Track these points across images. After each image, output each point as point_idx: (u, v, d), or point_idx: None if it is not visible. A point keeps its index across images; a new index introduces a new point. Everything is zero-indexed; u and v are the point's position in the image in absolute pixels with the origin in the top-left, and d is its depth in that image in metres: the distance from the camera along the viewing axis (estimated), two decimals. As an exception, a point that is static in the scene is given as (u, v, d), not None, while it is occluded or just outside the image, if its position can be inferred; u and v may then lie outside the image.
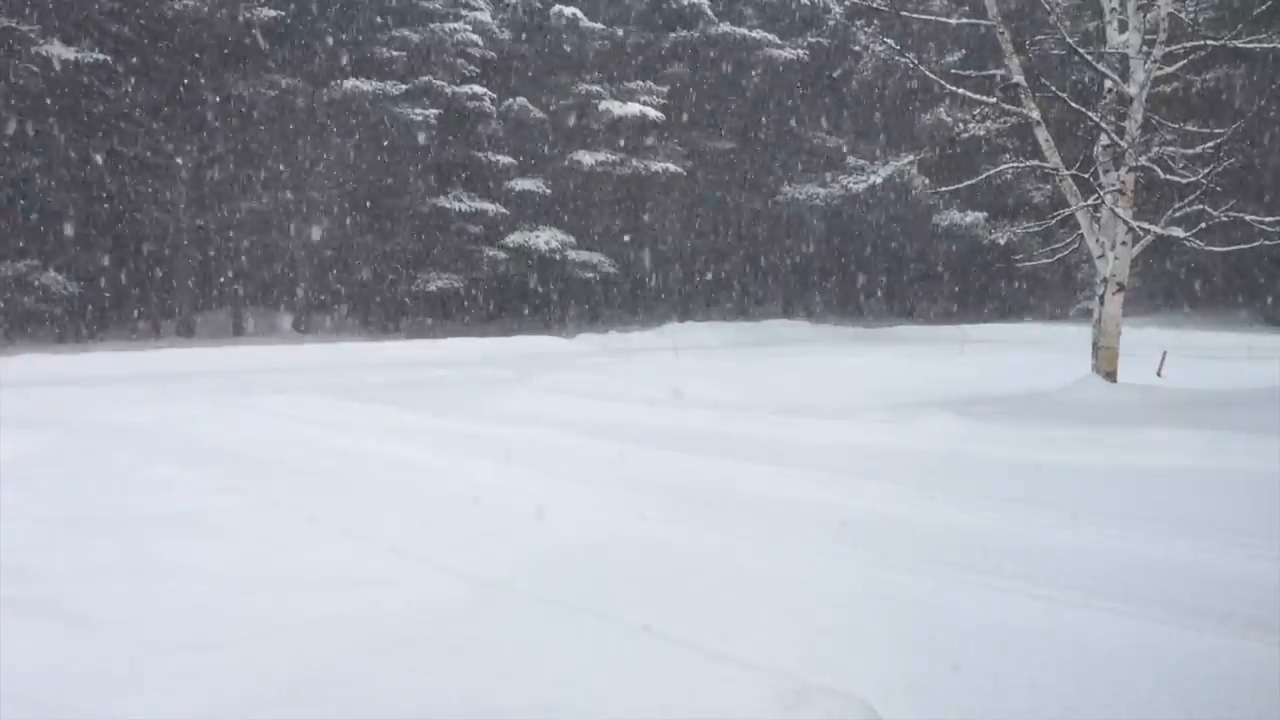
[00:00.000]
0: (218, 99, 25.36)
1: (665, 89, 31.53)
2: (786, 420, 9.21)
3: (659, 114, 29.46)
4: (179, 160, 25.24)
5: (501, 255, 27.72)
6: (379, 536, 5.03)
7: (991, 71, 12.04)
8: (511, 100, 28.63)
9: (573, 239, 28.69)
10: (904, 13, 13.89)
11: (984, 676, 3.29)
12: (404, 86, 26.41)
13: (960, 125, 29.78)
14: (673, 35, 32.28)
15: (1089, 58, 10.83)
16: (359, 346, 21.65)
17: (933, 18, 16.51)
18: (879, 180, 30.94)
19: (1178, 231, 10.78)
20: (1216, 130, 11.16)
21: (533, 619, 3.69)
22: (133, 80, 24.23)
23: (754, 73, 33.43)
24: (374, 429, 9.16)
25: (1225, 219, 10.43)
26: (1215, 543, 4.85)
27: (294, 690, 3.07)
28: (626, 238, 32.21)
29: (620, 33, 31.97)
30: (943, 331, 27.54)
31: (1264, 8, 13.35)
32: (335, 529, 5.23)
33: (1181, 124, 11.79)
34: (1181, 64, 10.91)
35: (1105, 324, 10.82)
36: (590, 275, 29.59)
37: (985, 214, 30.60)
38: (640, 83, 30.93)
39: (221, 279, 28.46)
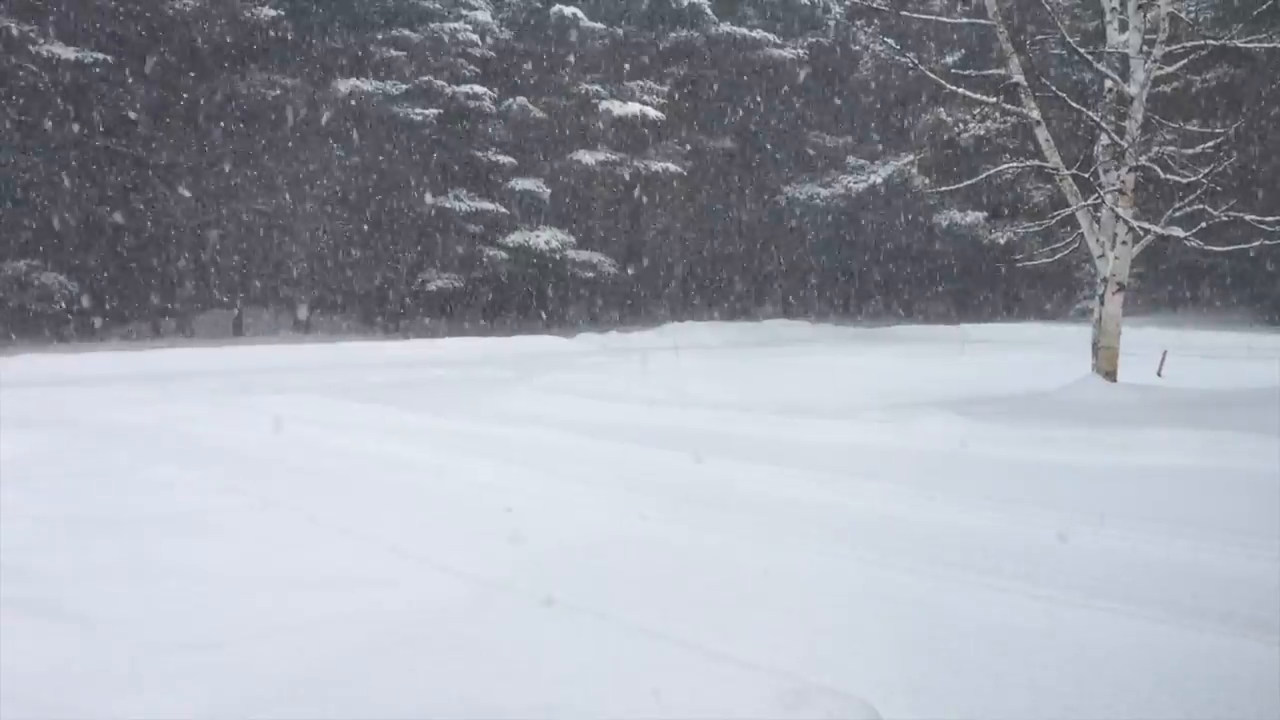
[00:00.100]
0: (218, 99, 25.34)
1: (666, 88, 31.52)
2: (786, 420, 9.21)
3: (659, 114, 29.45)
4: (179, 160, 25.23)
5: (502, 255, 27.72)
6: (379, 536, 5.03)
7: (991, 71, 12.04)
8: (512, 100, 28.62)
9: (573, 239, 28.68)
10: (904, 12, 13.91)
11: (984, 676, 3.29)
12: (404, 86, 26.40)
13: (960, 125, 29.80)
14: (673, 35, 32.27)
15: (1089, 57, 10.83)
16: (359, 346, 21.65)
17: (933, 17, 16.53)
18: (879, 180, 30.94)
19: (1178, 231, 10.78)
20: (1217, 130, 11.18)
21: (533, 619, 3.69)
22: (133, 80, 24.22)
23: (754, 72, 33.42)
24: (374, 429, 9.17)
25: (1225, 219, 10.43)
26: (1215, 543, 4.85)
27: (294, 690, 3.07)
28: (627, 237, 32.20)
29: (620, 32, 31.96)
30: (942, 331, 27.54)
31: (1264, 7, 13.35)
32: (335, 529, 5.23)
33: (1182, 124, 11.80)
34: (1182, 64, 10.91)
35: (1105, 323, 10.82)
36: (590, 275, 29.58)
37: (985, 214, 30.60)
38: (641, 82, 30.92)
39: (222, 279, 28.44)
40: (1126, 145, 10.43)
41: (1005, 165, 13.08)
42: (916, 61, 12.62)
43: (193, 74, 24.84)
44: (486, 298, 30.59)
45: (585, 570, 4.52)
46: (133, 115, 24.58)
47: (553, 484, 6.55)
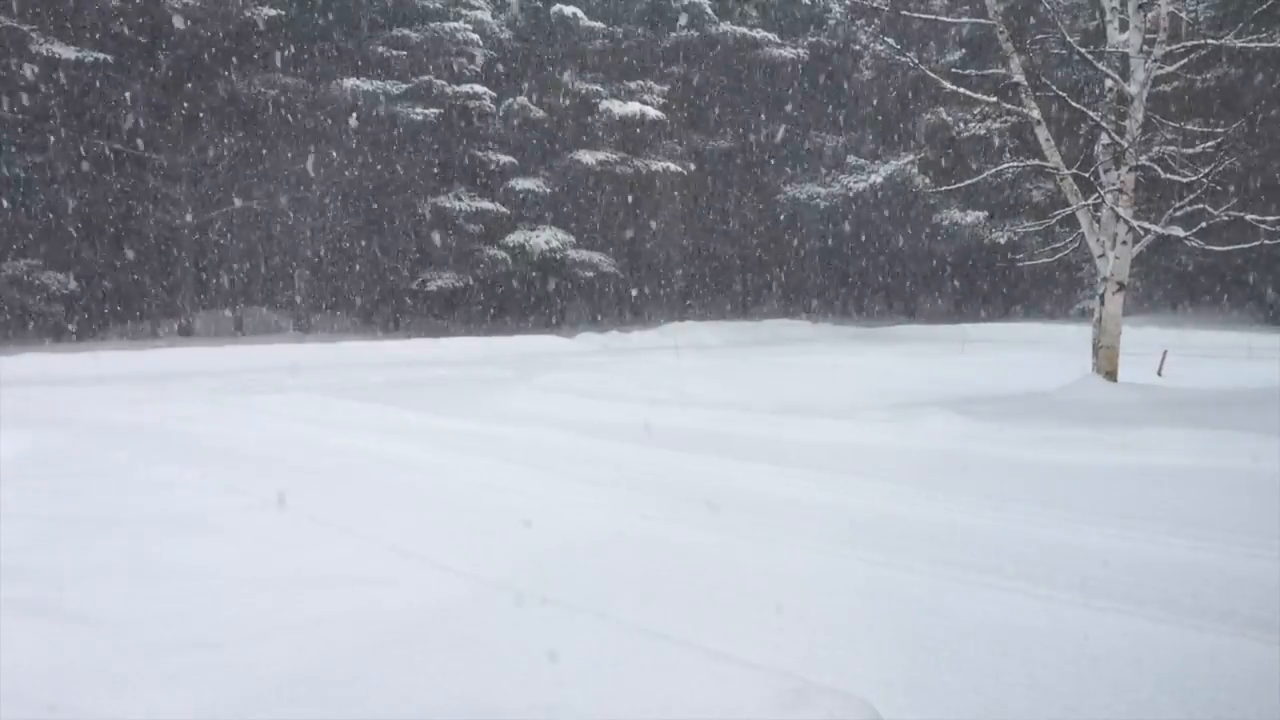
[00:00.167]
0: (218, 98, 25.34)
1: (666, 88, 31.51)
2: (787, 420, 9.21)
3: (659, 113, 29.45)
4: (179, 160, 25.23)
5: (502, 255, 27.72)
6: (379, 536, 5.03)
7: (992, 71, 12.04)
8: (512, 99, 28.61)
9: (573, 238, 28.68)
10: (904, 12, 13.88)
11: (984, 676, 3.29)
12: (404, 86, 26.40)
13: (961, 124, 29.79)
14: (673, 34, 32.27)
15: (1089, 57, 10.83)
16: (359, 346, 21.65)
17: (933, 17, 16.52)
18: (879, 179, 30.92)
19: (1178, 231, 10.78)
20: (1217, 130, 11.17)
21: (533, 619, 3.69)
22: (133, 80, 24.23)
23: (754, 72, 33.42)
24: (374, 428, 9.17)
25: (1225, 218, 10.44)
26: (1215, 542, 4.85)
27: (294, 690, 3.07)
28: (627, 237, 32.20)
29: (620, 32, 31.96)
30: (943, 331, 27.54)
31: (1264, 7, 13.35)
32: (335, 528, 5.23)
33: (1182, 123, 11.78)
34: (1182, 63, 10.91)
35: (1105, 323, 10.82)
36: (591, 274, 29.58)
37: (985, 213, 30.59)
38: (641, 82, 30.91)
39: (222, 278, 28.45)
40: (1127, 145, 10.43)
41: (1005, 165, 13.09)
42: (917, 61, 12.63)
43: (193, 73, 24.84)
44: (487, 297, 30.59)
45: (585, 570, 4.52)
46: (133, 115, 24.59)
47: (553, 483, 6.55)
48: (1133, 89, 10.51)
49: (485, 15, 29.59)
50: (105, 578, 4.32)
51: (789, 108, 34.59)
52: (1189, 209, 10.81)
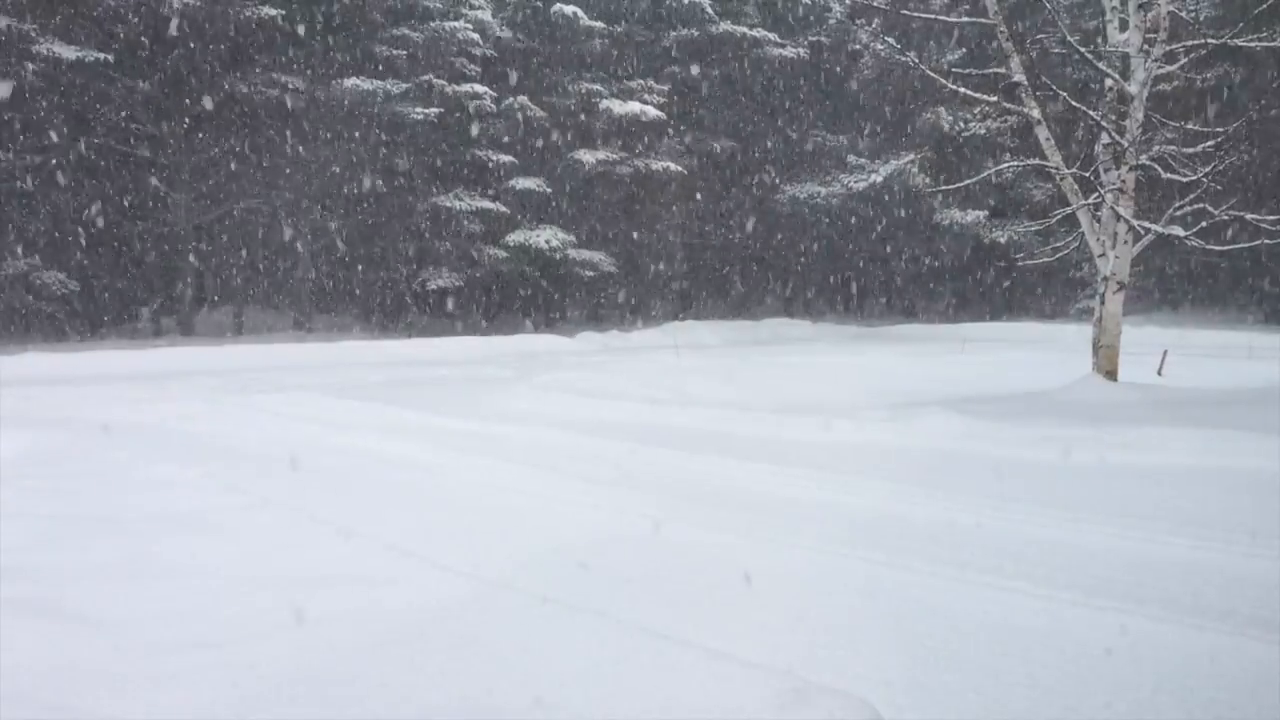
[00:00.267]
0: (218, 98, 25.33)
1: (666, 88, 31.51)
2: (787, 419, 9.21)
3: (660, 113, 29.44)
4: (179, 159, 25.23)
5: (502, 254, 27.72)
6: (379, 535, 5.03)
7: (992, 70, 12.03)
8: (512, 99, 28.61)
9: (573, 238, 28.68)
10: (904, 11, 13.88)
11: (984, 675, 3.29)
12: (405, 85, 26.39)
13: (961, 124, 29.79)
14: (673, 34, 32.26)
15: (1090, 56, 10.83)
16: (359, 345, 21.66)
17: (933, 16, 16.52)
18: (879, 179, 30.92)
19: (1178, 230, 10.77)
20: (1217, 129, 11.16)
21: (533, 618, 3.69)
22: (133, 80, 24.22)
23: (754, 71, 33.41)
24: (374, 428, 9.17)
25: (1226, 218, 10.43)
26: (1215, 541, 4.85)
27: (294, 690, 3.07)
28: (627, 236, 32.20)
29: (621, 31, 31.95)
30: (943, 330, 27.55)
31: (1264, 7, 13.34)
32: (335, 528, 5.23)
33: (1182, 123, 11.78)
34: (1182, 63, 10.91)
35: (1106, 323, 10.82)
36: (591, 274, 29.58)
37: (986, 213, 30.60)
38: (641, 81, 30.91)
39: (222, 278, 28.43)
40: (1127, 144, 10.42)
41: (1006, 164, 13.09)
42: (917, 60, 12.62)
43: (193, 74, 24.83)
44: (487, 297, 30.60)
45: (585, 569, 4.52)
46: (133, 115, 24.58)
47: (553, 483, 6.55)
48: (1133, 88, 10.50)
49: (486, 15, 29.58)
50: (105, 577, 4.32)
51: (789, 107, 34.59)
52: (1189, 208, 10.81)
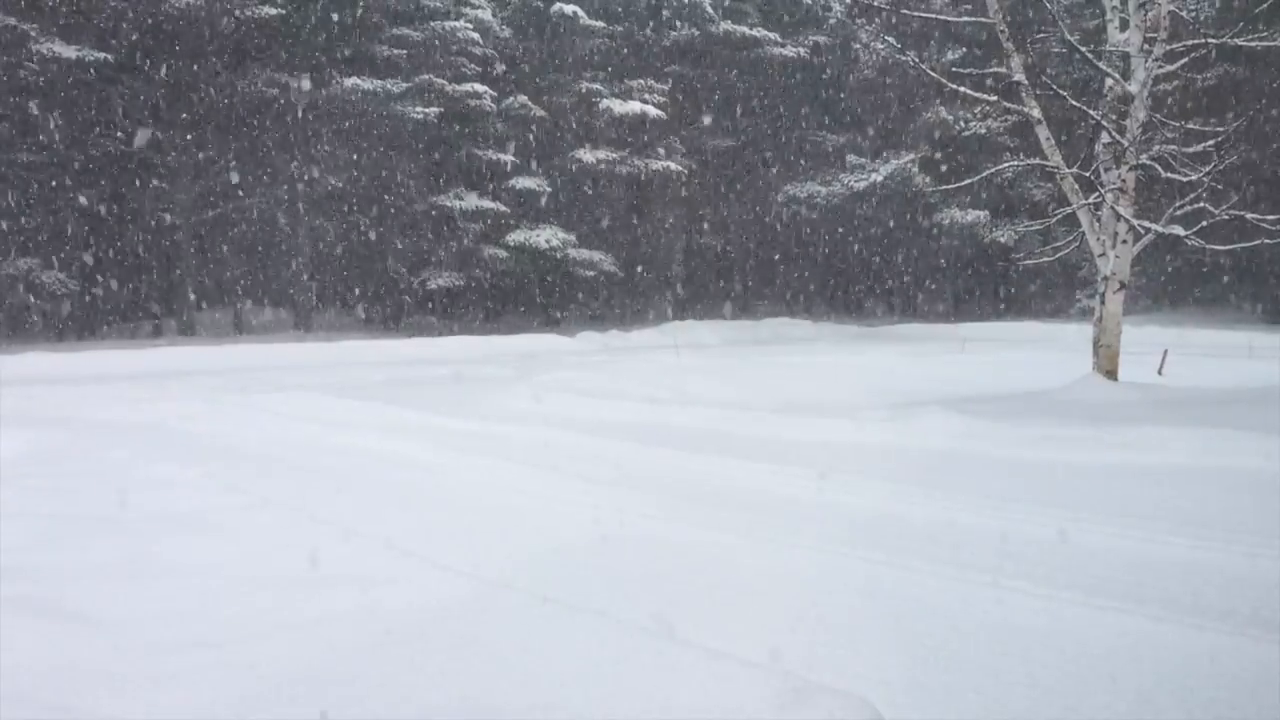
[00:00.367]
0: (219, 97, 25.34)
1: (666, 87, 31.52)
2: (787, 419, 9.21)
3: (660, 112, 29.45)
4: (180, 158, 25.23)
5: (502, 254, 27.72)
6: (379, 535, 5.03)
7: (992, 70, 12.03)
8: (512, 98, 28.61)
9: (574, 237, 28.69)
10: (905, 10, 13.88)
11: (984, 675, 3.28)
12: (405, 85, 26.40)
13: (961, 123, 29.79)
14: (673, 33, 32.27)
15: (1090, 56, 10.82)
16: (360, 345, 21.66)
17: (934, 16, 16.52)
18: (880, 179, 30.93)
19: (1178, 230, 10.76)
20: (1217, 128, 11.15)
21: (533, 618, 3.69)
22: (133, 79, 24.22)
23: (755, 71, 33.41)
24: (374, 427, 9.17)
25: (1226, 217, 10.43)
26: (1215, 541, 4.85)
27: (294, 690, 3.07)
28: (627, 236, 32.20)
29: (621, 30, 31.95)
30: (943, 330, 27.54)
31: (1264, 6, 13.34)
32: (335, 527, 5.22)
33: (1183, 122, 11.77)
34: (1183, 62, 10.90)
35: (1106, 322, 10.81)
36: (591, 274, 29.58)
37: (986, 212, 30.60)
38: (641, 81, 30.90)
39: (222, 277, 28.44)
40: (1127, 144, 10.42)
41: (1006, 164, 13.07)
42: (917, 60, 12.62)
43: (193, 72, 24.84)
44: (487, 296, 30.60)
45: (585, 569, 4.52)
46: (133, 114, 24.58)
47: (553, 482, 6.54)
48: (1133, 88, 10.50)
49: (486, 14, 29.59)
50: (105, 577, 4.32)
51: (789, 107, 34.59)
52: (1190, 208, 10.80)
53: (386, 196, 27.95)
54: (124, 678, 3.17)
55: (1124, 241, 10.67)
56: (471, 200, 27.60)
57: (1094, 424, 8.05)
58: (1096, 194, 10.76)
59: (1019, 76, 10.91)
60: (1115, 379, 10.73)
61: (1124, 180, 10.54)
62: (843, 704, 2.78)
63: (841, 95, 35.03)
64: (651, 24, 32.53)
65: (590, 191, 30.96)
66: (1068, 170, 10.96)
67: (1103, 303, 10.82)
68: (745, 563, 4.63)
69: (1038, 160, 11.62)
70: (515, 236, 27.67)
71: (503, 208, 28.07)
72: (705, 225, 35.19)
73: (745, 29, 32.34)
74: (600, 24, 30.65)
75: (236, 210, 26.86)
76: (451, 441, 8.33)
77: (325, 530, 5.18)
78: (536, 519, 5.50)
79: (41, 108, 22.89)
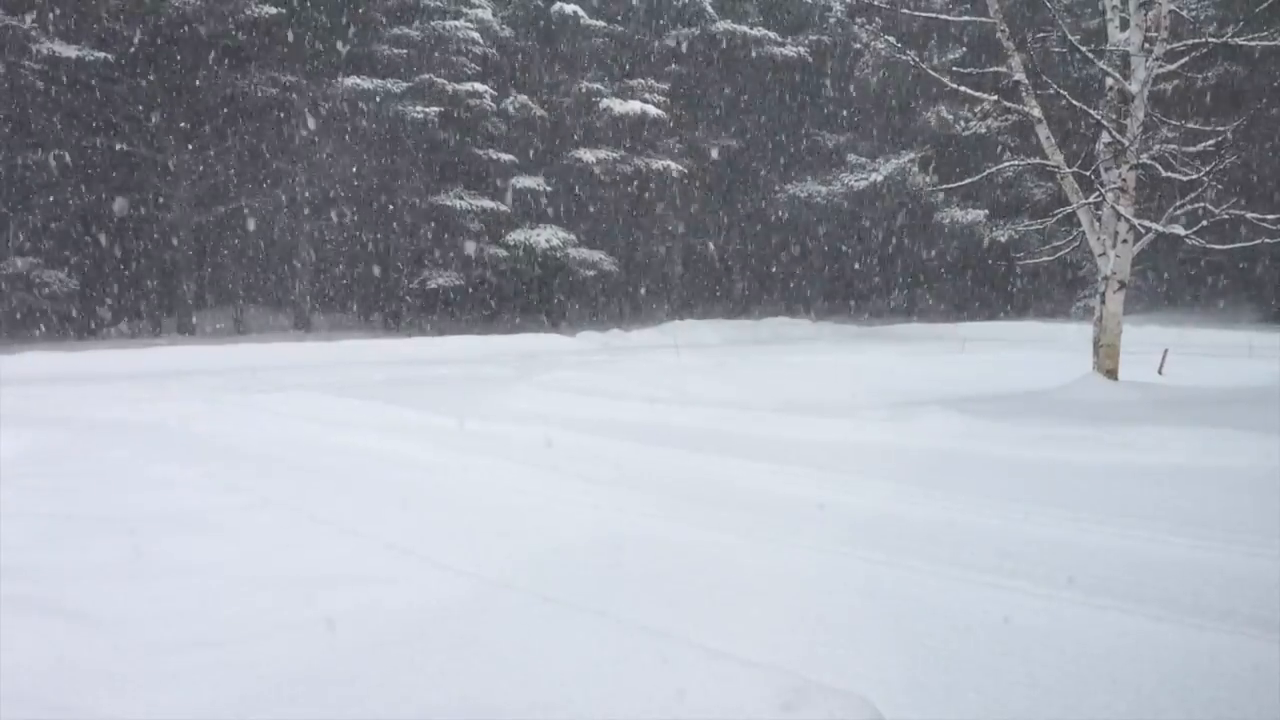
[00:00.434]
0: (219, 97, 25.34)
1: (666, 86, 31.50)
2: (787, 418, 9.21)
3: (660, 112, 29.44)
4: (180, 158, 25.23)
5: (503, 253, 27.72)
6: (379, 534, 5.03)
7: (992, 69, 12.03)
8: (513, 98, 28.60)
9: (574, 237, 28.68)
10: (905, 10, 13.87)
11: (984, 675, 3.28)
12: (405, 84, 26.39)
13: (961, 123, 29.77)
14: (674, 33, 32.25)
15: (1090, 55, 10.82)
16: (360, 344, 21.64)
17: (934, 15, 16.51)
18: (880, 178, 30.92)
19: (1179, 229, 10.77)
20: (1218, 128, 11.15)
21: (533, 618, 3.69)
22: (134, 78, 24.22)
23: (755, 71, 33.41)
24: (374, 427, 9.16)
25: (1226, 217, 10.43)
26: (1216, 541, 4.85)
27: (294, 689, 3.07)
28: (627, 236, 32.18)
29: (621, 30, 31.94)
30: (943, 329, 27.54)
31: (1264, 6, 13.32)
32: (335, 527, 5.22)
33: (1183, 122, 11.77)
34: (1183, 62, 10.90)
35: (1106, 322, 10.82)
36: (591, 273, 29.58)
37: (986, 212, 30.60)
38: (641, 80, 30.89)
39: (222, 276, 28.45)
40: (1128, 143, 10.42)
41: (1006, 163, 13.09)
42: (917, 59, 12.60)
43: (194, 71, 24.84)
44: (487, 296, 30.60)
45: (585, 569, 4.52)
46: (134, 113, 24.58)
47: (553, 482, 6.55)
48: (1134, 87, 10.50)
49: (486, 14, 29.56)
50: (105, 576, 4.31)
51: (790, 106, 34.58)
52: (1190, 207, 10.81)
53: (386, 196, 27.94)
54: (124, 677, 3.17)
55: (1124, 241, 10.67)
56: (471, 200, 27.60)
57: (1094, 424, 8.05)
58: (1097, 193, 10.76)
59: (1019, 76, 10.91)
60: (1115, 378, 10.73)
61: (1124, 179, 10.54)
62: (843, 704, 2.78)
63: (842, 94, 35.02)
64: (652, 23, 32.52)
65: (591, 191, 30.95)
66: (1068, 170, 10.96)
67: (1103, 302, 10.82)
68: (745, 562, 4.63)
69: (1038, 160, 11.62)
70: (515, 236, 27.67)
71: (503, 207, 28.06)
72: (705, 225, 35.17)
73: (745, 28, 32.32)
74: (601, 23, 30.64)
75: (236, 210, 26.85)
76: (452, 441, 8.33)
77: (325, 530, 5.18)
78: (536, 519, 5.50)
79: (42, 107, 22.89)
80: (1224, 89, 24.92)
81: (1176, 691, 3.15)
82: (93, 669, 3.24)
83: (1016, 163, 13.35)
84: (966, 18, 15.59)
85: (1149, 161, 10.73)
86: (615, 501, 5.93)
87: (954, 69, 12.87)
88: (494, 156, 28.39)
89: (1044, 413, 8.95)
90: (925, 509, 5.68)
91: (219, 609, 3.89)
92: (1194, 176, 10.40)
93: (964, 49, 31.25)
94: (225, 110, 25.61)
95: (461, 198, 27.54)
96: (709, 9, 31.90)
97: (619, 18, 32.24)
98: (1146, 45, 10.54)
